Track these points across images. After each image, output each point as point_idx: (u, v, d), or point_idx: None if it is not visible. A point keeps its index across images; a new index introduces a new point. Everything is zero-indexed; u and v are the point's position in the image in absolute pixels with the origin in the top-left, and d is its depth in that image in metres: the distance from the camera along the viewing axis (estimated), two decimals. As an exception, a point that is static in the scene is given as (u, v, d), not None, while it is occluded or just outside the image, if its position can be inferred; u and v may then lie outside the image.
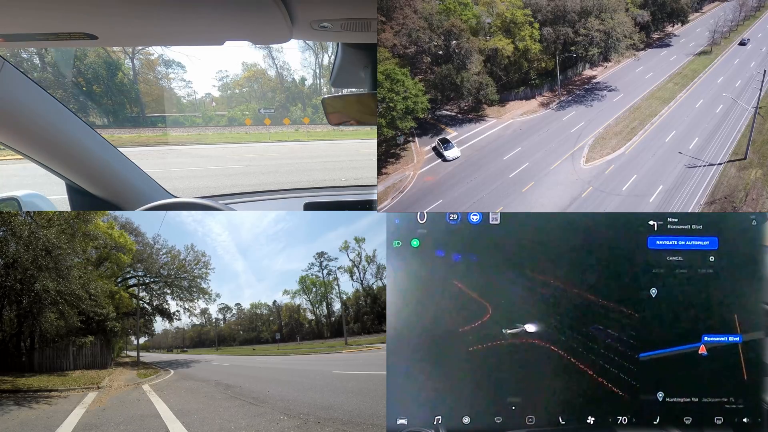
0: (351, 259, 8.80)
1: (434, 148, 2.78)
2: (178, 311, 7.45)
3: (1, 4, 0.93)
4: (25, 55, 20.17)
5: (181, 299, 6.88)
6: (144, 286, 6.53)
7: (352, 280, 9.03)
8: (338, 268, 9.00)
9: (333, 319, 9.57)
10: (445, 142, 2.77)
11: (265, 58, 28.90)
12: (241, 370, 4.30)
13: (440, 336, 1.05)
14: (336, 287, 9.29)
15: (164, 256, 6.40)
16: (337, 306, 9.45)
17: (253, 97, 28.12)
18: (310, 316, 10.04)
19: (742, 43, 3.91)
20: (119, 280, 5.89)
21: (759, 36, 3.92)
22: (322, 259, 9.03)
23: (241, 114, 24.76)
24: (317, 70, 28.59)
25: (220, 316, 12.82)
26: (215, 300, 7.38)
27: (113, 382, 3.19)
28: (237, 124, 23.14)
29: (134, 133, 19.38)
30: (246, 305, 12.01)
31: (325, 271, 9.18)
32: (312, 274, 9.38)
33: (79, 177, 1.93)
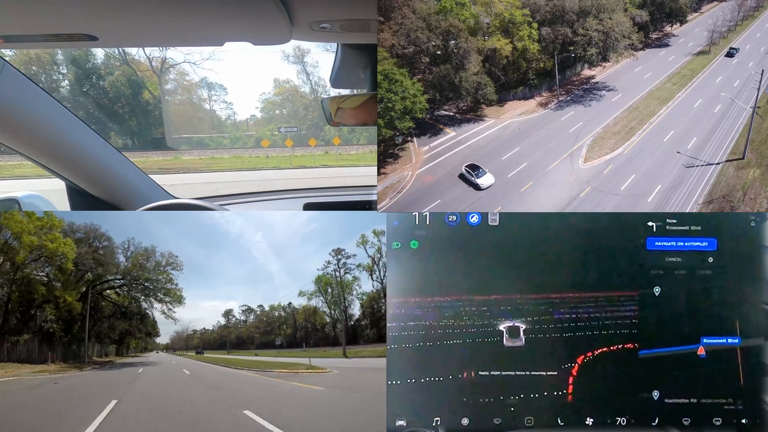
0: (370, 255, 7.95)
1: (461, 176, 2.53)
2: (148, 313, 7.45)
3: (1, 4, 0.92)
4: (43, 77, 20.21)
5: (158, 301, 6.92)
6: (117, 289, 6.59)
7: (372, 279, 8.22)
8: (357, 266, 8.27)
9: (351, 323, 8.71)
10: (475, 169, 2.52)
11: (299, 74, 27.45)
12: (170, 381, 3.90)
13: (439, 337, 1.05)
14: (355, 288, 8.49)
15: (127, 260, 6.45)
16: (356, 309, 8.67)
17: (283, 116, 25.82)
18: (328, 318, 9.43)
19: (730, 55, 3.68)
20: (98, 283, 6.03)
21: (758, 36, 3.93)
22: (339, 257, 8.33)
23: (270, 134, 22.32)
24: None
25: (243, 318, 12.53)
26: (182, 302, 7.20)
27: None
28: (270, 146, 20.45)
29: (143, 157, 17.55)
30: (267, 307, 11.68)
31: (343, 270, 8.45)
32: (328, 273, 8.62)
33: (78, 177, 1.93)
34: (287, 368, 4.82)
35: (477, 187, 2.48)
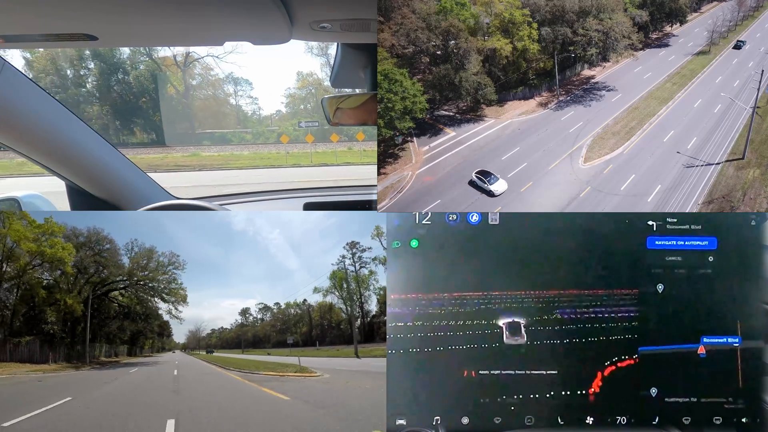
0: (386, 247, 7.60)
1: (472, 183, 2.41)
2: (156, 313, 7.43)
3: (1, 4, 0.93)
4: (70, 73, 20.10)
5: (164, 301, 6.94)
6: (122, 290, 6.62)
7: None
8: (373, 259, 7.86)
9: (368, 319, 8.27)
10: (487, 175, 2.39)
11: (323, 67, 25.61)
12: (145, 382, 3.77)
13: (440, 336, 1.05)
14: (372, 283, 8.06)
15: (128, 260, 6.48)
16: (373, 304, 8.22)
17: (307, 110, 24.70)
18: (344, 315, 8.97)
19: (737, 47, 3.79)
20: (105, 286, 6.09)
21: (757, 36, 3.93)
22: (354, 250, 7.91)
23: (293, 129, 21.37)
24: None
25: (260, 316, 12.35)
26: (186, 301, 7.17)
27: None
28: (290, 141, 19.30)
29: (162, 153, 16.72)
30: (283, 305, 11.47)
31: (358, 264, 8.03)
32: (343, 268, 8.17)
33: (79, 178, 1.93)
34: (276, 370, 4.56)
35: (490, 194, 2.37)
